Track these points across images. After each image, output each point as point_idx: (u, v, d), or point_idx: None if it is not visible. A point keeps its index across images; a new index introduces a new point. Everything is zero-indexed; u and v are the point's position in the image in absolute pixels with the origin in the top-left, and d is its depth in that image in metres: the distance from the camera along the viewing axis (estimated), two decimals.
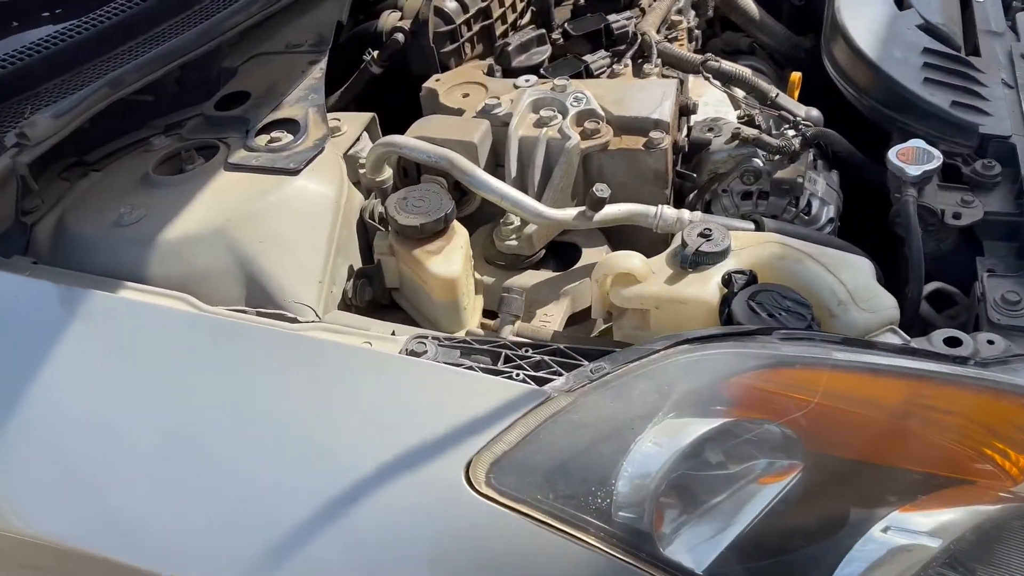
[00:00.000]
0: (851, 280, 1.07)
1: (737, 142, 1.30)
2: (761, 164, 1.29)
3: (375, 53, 1.49)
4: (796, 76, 1.46)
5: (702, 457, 0.85)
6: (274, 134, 1.20)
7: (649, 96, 1.30)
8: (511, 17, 1.63)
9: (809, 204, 1.29)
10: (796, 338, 0.91)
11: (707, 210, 1.33)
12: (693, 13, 1.78)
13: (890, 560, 0.83)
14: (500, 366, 0.91)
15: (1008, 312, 1.08)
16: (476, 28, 1.55)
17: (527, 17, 1.67)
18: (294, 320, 1.01)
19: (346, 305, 1.15)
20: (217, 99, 1.29)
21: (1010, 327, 1.07)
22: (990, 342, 1.03)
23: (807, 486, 0.86)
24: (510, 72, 1.46)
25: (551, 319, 1.19)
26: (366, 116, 1.36)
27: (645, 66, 1.40)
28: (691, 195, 1.37)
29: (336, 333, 0.97)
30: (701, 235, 1.10)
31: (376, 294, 1.18)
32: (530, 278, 1.25)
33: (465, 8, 1.51)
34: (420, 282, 1.13)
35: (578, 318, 1.23)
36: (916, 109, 1.32)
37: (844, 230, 1.46)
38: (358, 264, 1.19)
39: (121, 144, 1.28)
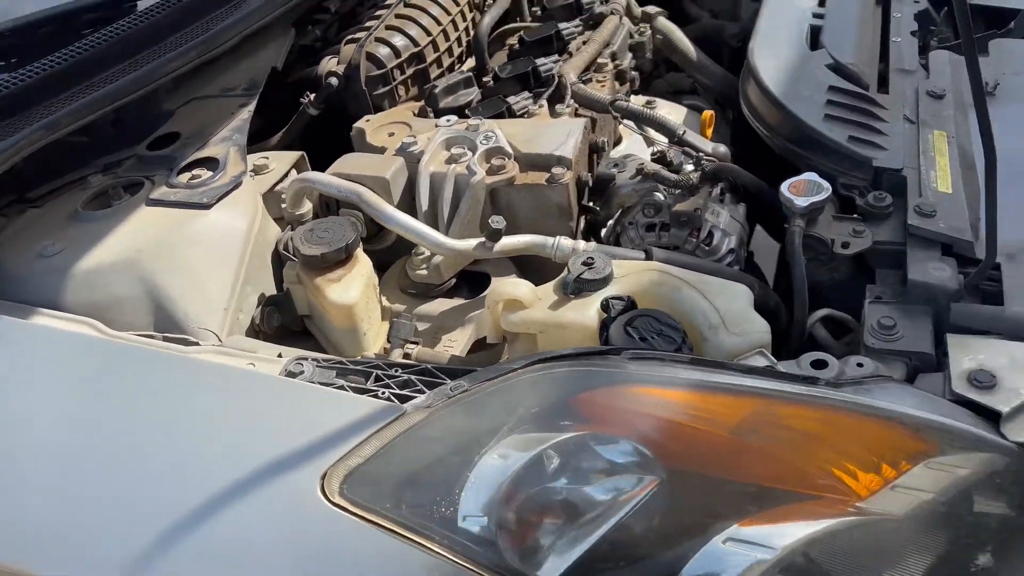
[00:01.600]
0: (725, 306, 1.12)
1: (640, 177, 1.37)
2: (662, 198, 1.35)
3: (311, 96, 1.57)
4: (707, 115, 1.52)
5: (553, 469, 0.90)
6: (195, 172, 1.28)
7: (555, 134, 1.37)
8: (448, 61, 1.72)
9: (711, 235, 1.34)
10: (644, 358, 0.96)
11: (617, 242, 1.39)
12: (631, 56, 1.85)
13: (725, 571, 0.87)
14: (369, 385, 0.97)
15: (882, 336, 1.12)
16: (409, 72, 1.63)
17: (469, 62, 1.76)
18: (194, 344, 1.08)
19: (255, 332, 1.22)
20: (150, 140, 1.38)
21: (884, 351, 1.11)
22: (859, 364, 1.08)
23: (661, 500, 0.90)
24: (439, 113, 1.53)
25: (455, 345, 1.25)
26: (295, 154, 1.44)
27: (558, 106, 1.47)
28: (605, 228, 1.43)
29: (225, 355, 1.03)
30: (584, 263, 1.15)
31: (287, 321, 1.25)
32: (439, 306, 1.31)
33: (397, 53, 1.60)
34: (322, 309, 1.19)
35: (485, 344, 1.28)
36: (817, 144, 1.38)
37: (756, 258, 1.52)
38: (271, 292, 1.26)
39: (62, 182, 1.37)
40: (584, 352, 0.96)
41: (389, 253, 1.39)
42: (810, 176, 1.31)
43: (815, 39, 1.61)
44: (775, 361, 1.06)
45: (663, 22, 1.95)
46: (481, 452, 0.88)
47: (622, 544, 0.89)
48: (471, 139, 1.36)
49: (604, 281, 1.14)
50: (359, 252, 1.22)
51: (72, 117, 1.28)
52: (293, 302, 1.25)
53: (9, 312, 1.08)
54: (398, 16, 1.66)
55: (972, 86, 0.96)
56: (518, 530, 0.89)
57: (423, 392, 0.94)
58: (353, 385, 0.97)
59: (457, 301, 1.31)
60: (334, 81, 1.56)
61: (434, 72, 1.68)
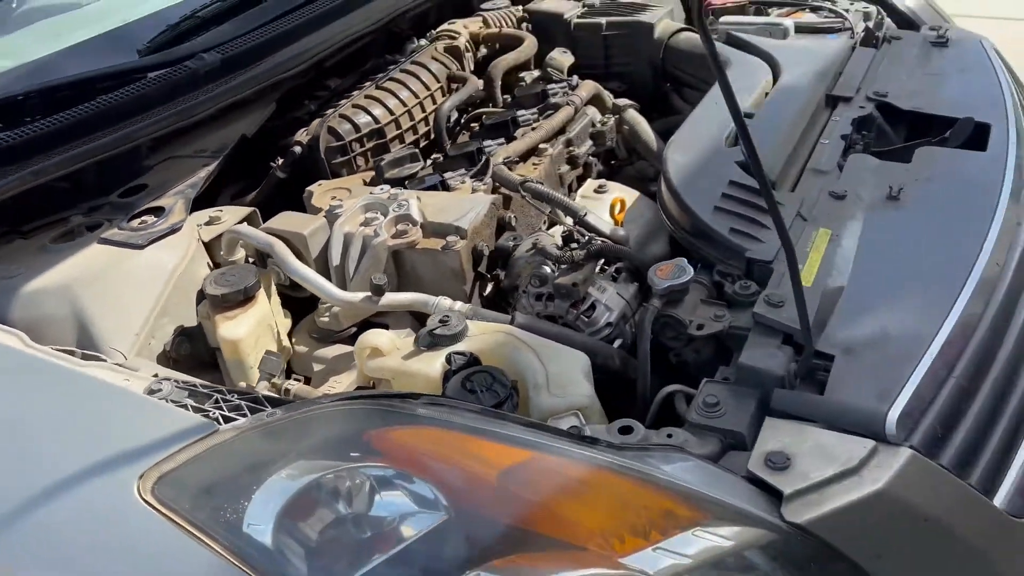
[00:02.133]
0: (555, 369, 1.22)
1: (533, 251, 1.49)
2: (548, 271, 1.47)
3: (280, 161, 1.79)
4: (616, 200, 1.63)
5: (337, 494, 1.02)
6: (143, 218, 1.50)
7: (461, 207, 1.52)
8: (412, 138, 1.92)
9: (593, 307, 1.44)
10: (437, 403, 1.07)
11: (515, 308, 1.51)
12: (591, 143, 1.99)
13: None
14: (207, 406, 1.12)
15: (704, 413, 1.19)
16: (369, 145, 1.83)
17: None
18: (101, 360, 1.27)
19: (166, 358, 1.40)
20: (122, 190, 1.62)
21: (703, 426, 1.18)
22: (668, 435, 1.16)
23: (447, 534, 1.00)
24: (385, 183, 1.71)
25: (339, 386, 1.39)
26: (247, 210, 1.64)
27: (474, 183, 1.63)
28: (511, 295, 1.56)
29: (111, 371, 1.22)
30: (440, 321, 1.28)
31: (198, 351, 1.43)
32: (335, 350, 1.46)
33: (357, 129, 1.81)
34: (218, 342, 1.37)
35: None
36: (703, 234, 1.47)
37: None
38: (192, 325, 1.45)
39: (52, 219, 1.62)
40: (384, 394, 1.08)
41: (311, 302, 1.56)
42: (679, 261, 1.40)
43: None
44: (583, 423, 1.15)
45: (631, 114, 2.08)
46: (271, 471, 1.02)
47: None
48: (385, 206, 1.53)
49: (454, 338, 1.27)
50: (259, 296, 1.40)
51: (58, 166, 1.53)
52: (206, 335, 1.43)
53: None
54: (367, 96, 1.87)
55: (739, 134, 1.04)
56: (299, 543, 1.00)
57: (245, 416, 1.09)
58: (194, 404, 1.12)
59: (350, 348, 1.46)
60: (297, 149, 1.77)
61: (396, 146, 1.87)
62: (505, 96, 2.09)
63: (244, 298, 1.38)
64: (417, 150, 1.77)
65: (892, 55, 2.05)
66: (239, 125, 1.76)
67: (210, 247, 1.56)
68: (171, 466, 1.03)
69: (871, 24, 2.28)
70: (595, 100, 2.07)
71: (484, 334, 1.28)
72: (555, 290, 1.45)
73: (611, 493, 1.03)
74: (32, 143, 1.53)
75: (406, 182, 1.71)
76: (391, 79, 1.93)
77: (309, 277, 1.40)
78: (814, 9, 2.30)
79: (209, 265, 1.53)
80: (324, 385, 1.40)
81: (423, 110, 1.94)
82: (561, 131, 1.91)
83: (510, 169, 1.73)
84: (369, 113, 1.83)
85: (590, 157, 1.99)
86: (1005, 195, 1.51)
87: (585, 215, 1.54)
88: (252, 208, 1.66)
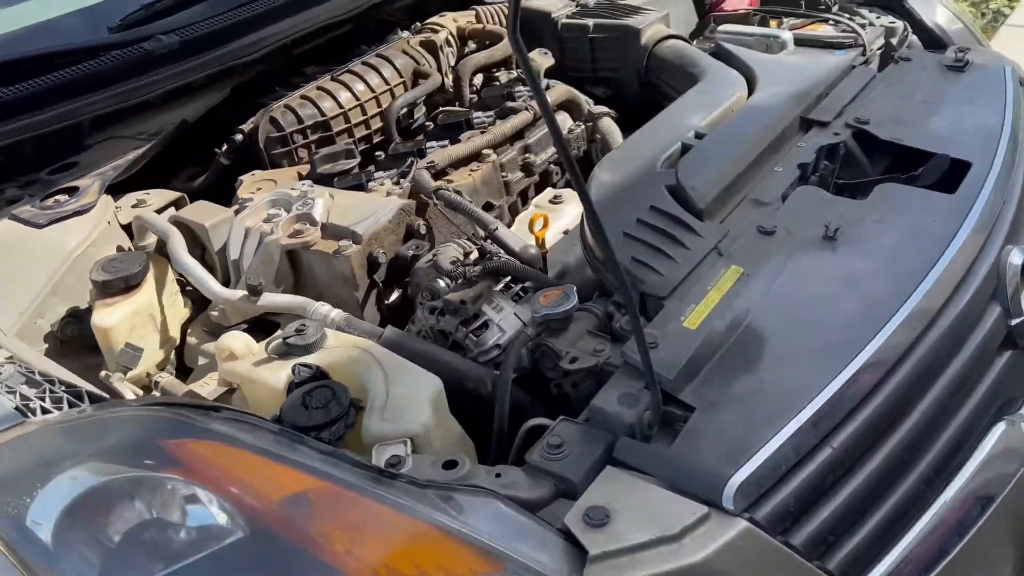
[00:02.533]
0: (397, 392, 1.17)
1: (431, 264, 1.43)
2: (442, 285, 1.40)
3: (224, 148, 1.79)
4: (536, 216, 1.55)
5: (125, 499, 1.00)
6: (57, 197, 1.52)
7: (366, 211, 1.47)
8: (362, 133, 1.88)
9: (485, 326, 1.38)
10: (238, 420, 1.04)
11: (412, 321, 1.46)
12: (551, 150, 1.91)
13: None
14: (33, 394, 1.12)
15: (545, 454, 1.11)
16: (313, 138, 1.80)
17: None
18: None
19: (54, 338, 1.41)
20: (53, 167, 1.65)
21: (540, 468, 1.10)
22: (497, 475, 1.09)
23: (237, 551, 0.96)
24: (316, 177, 1.69)
25: (211, 383, 1.38)
26: (174, 194, 1.65)
27: (389, 186, 1.57)
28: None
29: None
30: (296, 330, 1.25)
31: (86, 334, 1.43)
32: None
33: (300, 120, 1.78)
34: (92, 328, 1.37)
35: None
36: (606, 261, 1.38)
37: None
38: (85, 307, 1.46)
39: None
40: (186, 403, 1.05)
41: None
42: (567, 288, 1.32)
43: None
44: (409, 453, 1.10)
45: (605, 123, 1.98)
46: (60, 469, 1.00)
47: None
48: (291, 203, 1.50)
49: (307, 348, 1.23)
50: (145, 285, 1.40)
51: None
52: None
53: None
54: (319, 88, 1.84)
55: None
56: (81, 545, 0.99)
57: (62, 409, 1.08)
58: (24, 392, 1.13)
59: None
60: (238, 137, 1.76)
61: (343, 140, 1.84)
62: (476, 96, 2.03)
63: (126, 286, 1.37)
64: (353, 147, 1.73)
65: (895, 78, 1.87)
66: (184, 110, 1.76)
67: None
68: None
69: (894, 41, 2.10)
70: (568, 105, 1.98)
71: (340, 347, 1.23)
72: (446, 305, 1.39)
73: (395, 533, 0.98)
74: None
75: (335, 179, 1.68)
76: (349, 71, 1.90)
77: (192, 271, 1.39)
78: (835, 22, 2.13)
79: (122, 248, 1.54)
80: (198, 381, 1.39)
81: (379, 105, 1.90)
82: (518, 136, 1.84)
83: (445, 173, 1.67)
84: (316, 105, 1.80)
85: (551, 165, 1.91)
86: (955, 246, 1.36)
87: (496, 229, 1.47)
88: (180, 194, 1.66)
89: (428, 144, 1.75)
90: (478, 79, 2.06)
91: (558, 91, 1.96)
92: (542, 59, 2.08)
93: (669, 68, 1.99)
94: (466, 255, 1.46)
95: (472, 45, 2.21)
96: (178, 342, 1.47)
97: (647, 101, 2.10)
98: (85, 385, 1.14)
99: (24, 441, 1.04)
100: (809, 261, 1.35)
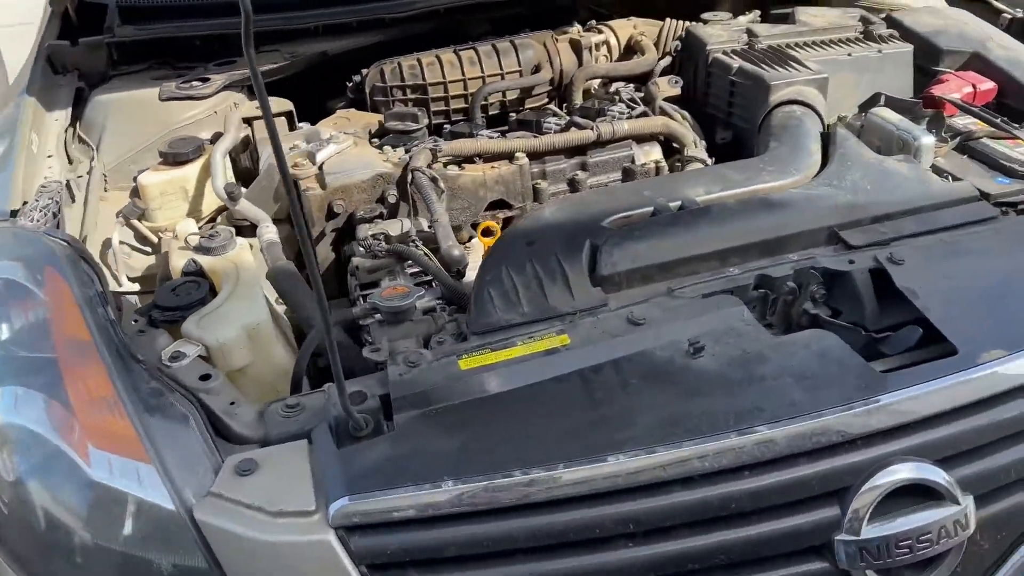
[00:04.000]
0: (225, 310, 1.41)
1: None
2: (359, 250, 1.58)
3: (350, 84, 2.11)
4: (486, 223, 1.60)
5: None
6: (194, 82, 1.99)
7: (350, 166, 1.69)
8: (458, 106, 2.06)
9: None
10: (88, 274, 1.37)
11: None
12: (618, 176, 1.90)
13: None
14: (40, 205, 1.58)
15: (279, 409, 1.27)
16: (411, 96, 2.03)
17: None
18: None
19: None
20: (220, 61, 2.11)
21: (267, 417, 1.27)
22: (232, 403, 1.29)
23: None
24: (385, 130, 1.93)
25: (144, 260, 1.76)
26: (288, 106, 2.01)
27: (387, 149, 1.75)
28: None
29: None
30: (211, 235, 1.54)
31: None
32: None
33: (402, 79, 2.02)
34: None
35: None
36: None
37: None
38: None
39: (194, 65, 2.20)
40: (79, 249, 1.42)
41: None
42: (415, 291, 1.41)
43: None
44: (189, 354, 1.34)
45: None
46: None
47: None
48: (312, 139, 1.77)
49: (208, 250, 1.52)
50: (190, 166, 1.79)
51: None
52: None
53: None
54: (437, 56, 2.05)
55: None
56: None
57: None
58: (41, 203, 1.59)
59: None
60: (356, 78, 2.07)
61: (437, 106, 2.04)
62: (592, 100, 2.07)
63: (174, 161, 1.78)
64: (420, 112, 1.92)
65: (1011, 231, 1.51)
66: (329, 44, 2.11)
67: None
68: None
69: None
70: (663, 138, 1.93)
71: (231, 259, 1.50)
72: (350, 268, 1.57)
73: (99, 387, 1.23)
74: None
75: (392, 136, 1.90)
76: (473, 48, 2.06)
77: (213, 163, 1.75)
78: None
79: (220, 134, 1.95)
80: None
81: (484, 84, 2.05)
82: (579, 151, 1.87)
83: (470, 162, 1.80)
84: (422, 70, 2.02)
85: None
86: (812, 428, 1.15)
87: (436, 220, 1.59)
88: (290, 108, 2.03)
89: (487, 132, 1.88)
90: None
91: (653, 122, 1.92)
92: (665, 87, 2.03)
93: (768, 133, 1.81)
94: (403, 233, 1.60)
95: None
96: (206, 218, 1.86)
97: None
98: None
99: None
100: (635, 363, 1.26)
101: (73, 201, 1.74)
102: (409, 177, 1.67)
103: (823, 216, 1.51)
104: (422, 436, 1.18)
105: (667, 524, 1.13)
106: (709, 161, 1.91)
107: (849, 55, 2.04)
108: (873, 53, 2.05)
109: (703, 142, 1.97)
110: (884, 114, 1.81)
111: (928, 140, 1.70)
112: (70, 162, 1.85)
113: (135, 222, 1.73)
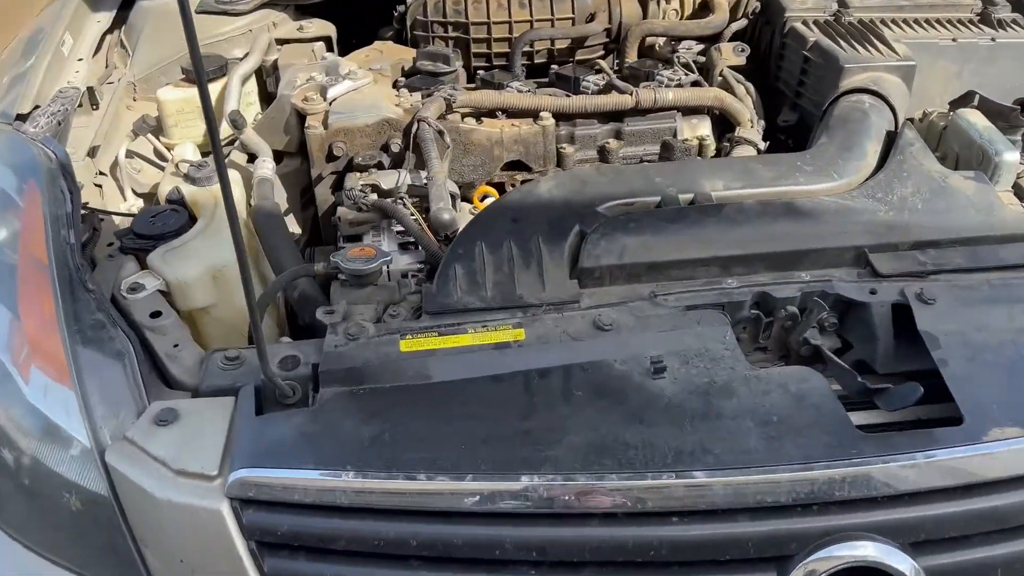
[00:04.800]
0: (193, 246, 1.38)
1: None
2: (346, 200, 1.50)
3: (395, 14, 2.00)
4: (483, 189, 1.47)
5: None
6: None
7: (360, 107, 1.59)
8: (500, 49, 1.91)
9: None
10: (64, 190, 1.35)
11: None
12: (656, 149, 1.74)
13: None
14: (49, 111, 1.57)
15: (219, 360, 1.22)
16: (452, 34, 1.90)
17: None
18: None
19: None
20: None
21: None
22: (176, 345, 1.26)
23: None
24: (414, 69, 1.82)
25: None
26: (331, 31, 1.93)
27: (413, 98, 1.64)
28: None
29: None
30: (199, 164, 1.50)
31: None
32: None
33: (444, 15, 1.89)
34: None
35: None
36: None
37: None
38: None
39: None
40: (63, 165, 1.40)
41: None
42: (381, 254, 1.33)
43: None
44: (147, 287, 1.31)
45: (739, 152, 1.70)
46: None
47: None
48: (331, 72, 1.68)
49: (194, 180, 1.48)
50: (211, 87, 1.74)
51: None
52: None
53: None
54: None
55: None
56: None
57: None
58: (52, 108, 1.59)
59: None
60: (400, 9, 1.95)
61: (478, 48, 1.91)
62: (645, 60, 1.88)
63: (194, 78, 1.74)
64: (452, 54, 1.79)
65: None
66: None
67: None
68: None
69: None
70: (715, 112, 1.74)
71: (213, 195, 1.46)
72: (334, 218, 1.50)
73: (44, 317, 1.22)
74: None
75: (420, 76, 1.79)
76: None
77: (230, 86, 1.70)
78: None
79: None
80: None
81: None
82: (614, 118, 1.71)
83: (491, 116, 1.67)
84: (466, 7, 1.88)
85: (642, 162, 1.74)
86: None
87: (432, 179, 1.49)
88: (330, 35, 1.94)
89: (514, 85, 1.74)
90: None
91: (704, 93, 1.73)
92: (729, 55, 1.82)
93: (825, 124, 1.59)
94: (395, 188, 1.51)
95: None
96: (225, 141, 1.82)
97: None
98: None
99: None
100: (586, 374, 1.14)
101: (95, 108, 1.73)
102: (414, 127, 1.56)
103: (854, 234, 1.32)
104: (340, 416, 1.12)
105: (574, 559, 1.03)
106: (762, 146, 1.71)
107: (953, 40, 1.76)
108: (984, 40, 1.77)
109: (762, 122, 1.77)
110: (971, 117, 1.56)
111: (1012, 157, 1.45)
112: (106, 66, 1.84)
113: (150, 137, 1.71)
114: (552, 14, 1.90)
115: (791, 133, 1.78)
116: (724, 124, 1.77)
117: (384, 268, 1.34)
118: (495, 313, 1.24)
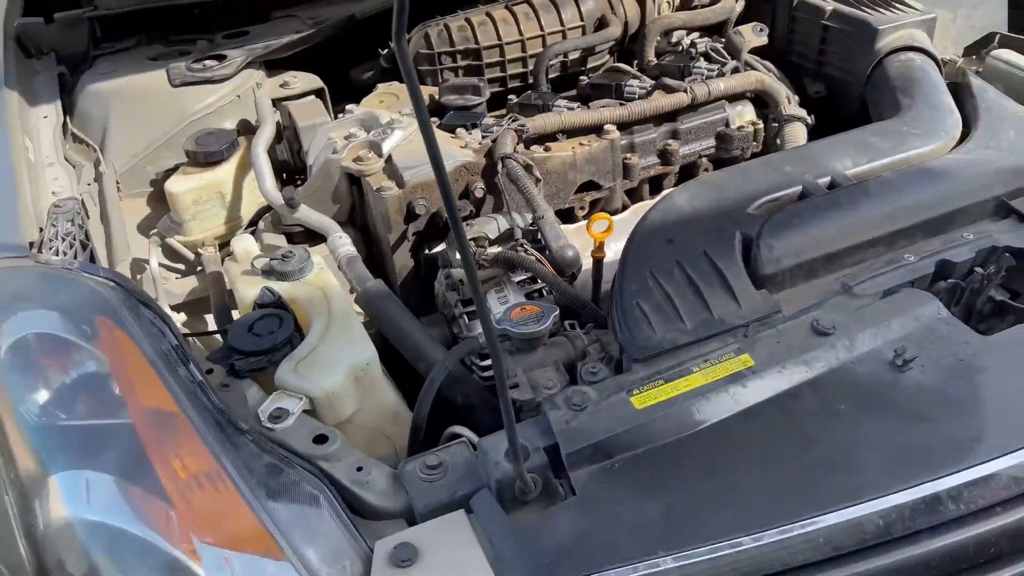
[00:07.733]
0: (325, 351, 1.16)
1: None
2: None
3: (384, 52, 1.82)
4: (599, 216, 1.36)
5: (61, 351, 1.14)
6: (206, 61, 1.68)
7: (419, 158, 1.43)
8: (517, 71, 1.79)
9: None
10: (153, 323, 1.10)
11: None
12: (712, 143, 1.68)
13: None
14: (59, 233, 1.29)
15: (419, 471, 1.04)
16: (462, 63, 1.76)
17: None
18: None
19: (158, 184, 1.60)
20: (228, 32, 1.80)
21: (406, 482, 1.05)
22: (359, 468, 1.06)
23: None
24: (442, 107, 1.66)
25: (190, 282, 1.50)
26: (318, 84, 1.72)
27: (471, 136, 1.49)
28: None
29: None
30: (284, 256, 1.28)
31: None
32: (273, 239, 1.53)
33: (452, 43, 1.74)
34: None
35: None
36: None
37: None
38: None
39: (191, 37, 1.87)
40: (132, 290, 1.14)
41: None
42: (548, 308, 1.19)
43: None
44: (292, 410, 1.10)
45: (792, 130, 1.68)
46: (24, 307, 1.16)
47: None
48: (372, 126, 1.50)
49: (283, 275, 1.26)
50: (225, 165, 1.50)
51: None
52: None
53: None
54: (487, 15, 1.78)
55: None
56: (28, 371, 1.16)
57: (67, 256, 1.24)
58: (62, 229, 1.30)
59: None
60: (384, 51, 1.79)
61: (493, 72, 1.78)
62: (665, 57, 1.83)
63: (205, 161, 1.50)
64: (482, 85, 1.66)
65: None
66: (356, 7, 1.81)
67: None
68: None
69: None
70: (757, 97, 1.71)
71: (313, 285, 1.25)
72: (448, 281, 1.33)
73: (208, 484, 1.00)
74: None
75: (452, 113, 1.64)
76: (528, 3, 1.79)
77: (256, 162, 1.47)
78: None
79: (247, 122, 1.66)
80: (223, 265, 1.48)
81: (544, 47, 1.79)
82: (668, 118, 1.64)
83: (550, 138, 1.55)
84: (474, 31, 1.74)
85: (701, 159, 1.68)
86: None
87: (542, 217, 1.35)
88: (321, 86, 1.74)
89: (556, 102, 1.63)
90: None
91: (748, 78, 1.69)
92: (751, 36, 1.80)
93: (886, 87, 1.61)
94: (502, 234, 1.37)
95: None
96: (246, 224, 1.58)
97: (863, 116, 1.74)
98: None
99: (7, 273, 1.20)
100: (837, 383, 1.07)
101: (88, 218, 1.45)
102: (500, 166, 1.42)
103: (989, 185, 1.33)
104: (612, 499, 0.98)
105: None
106: (809, 120, 1.70)
107: None
108: None
109: (796, 97, 1.76)
110: (1007, 56, 1.62)
111: None
112: (73, 167, 1.54)
113: (176, 240, 1.45)
114: (562, 24, 1.80)
115: (820, 104, 1.79)
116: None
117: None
118: (706, 343, 1.13)
